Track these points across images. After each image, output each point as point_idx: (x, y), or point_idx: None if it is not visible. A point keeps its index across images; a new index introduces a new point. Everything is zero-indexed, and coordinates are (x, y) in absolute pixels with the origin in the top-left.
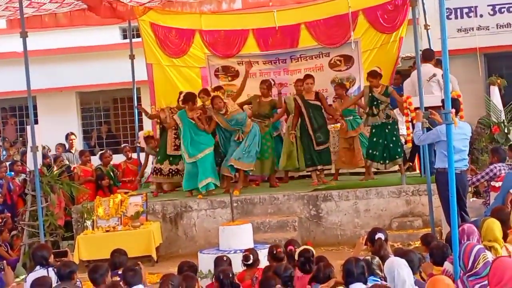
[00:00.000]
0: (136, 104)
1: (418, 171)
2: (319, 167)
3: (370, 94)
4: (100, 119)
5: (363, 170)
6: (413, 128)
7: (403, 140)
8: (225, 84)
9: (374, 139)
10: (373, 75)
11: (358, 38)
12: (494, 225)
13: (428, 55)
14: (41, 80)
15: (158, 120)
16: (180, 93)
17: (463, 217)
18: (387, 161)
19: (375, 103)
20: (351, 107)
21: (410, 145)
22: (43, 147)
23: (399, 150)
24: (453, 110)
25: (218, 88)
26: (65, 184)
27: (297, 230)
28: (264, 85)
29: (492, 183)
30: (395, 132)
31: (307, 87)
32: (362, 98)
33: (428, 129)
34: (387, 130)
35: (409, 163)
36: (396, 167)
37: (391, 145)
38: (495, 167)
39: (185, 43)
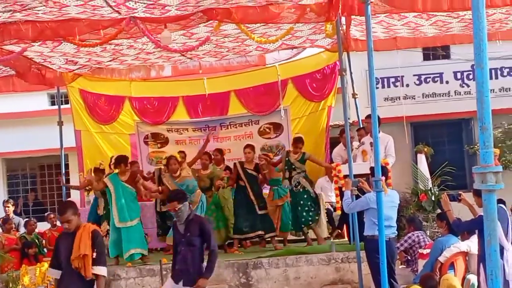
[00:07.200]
0: (63, 171)
1: (346, 238)
2: (261, 233)
3: (286, 159)
4: (27, 186)
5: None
6: (342, 195)
7: (331, 208)
8: (154, 151)
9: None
10: (297, 140)
11: (287, 106)
12: None
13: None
14: None
15: (88, 188)
16: (112, 157)
17: (392, 285)
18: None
19: (291, 167)
20: (278, 176)
21: (339, 212)
22: None
23: (307, 217)
24: (383, 178)
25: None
26: None
27: None
28: (206, 156)
29: (420, 251)
30: (302, 202)
31: (245, 157)
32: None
33: (357, 197)
34: (297, 199)
35: (337, 230)
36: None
37: (300, 213)
38: (413, 234)
39: (115, 109)
